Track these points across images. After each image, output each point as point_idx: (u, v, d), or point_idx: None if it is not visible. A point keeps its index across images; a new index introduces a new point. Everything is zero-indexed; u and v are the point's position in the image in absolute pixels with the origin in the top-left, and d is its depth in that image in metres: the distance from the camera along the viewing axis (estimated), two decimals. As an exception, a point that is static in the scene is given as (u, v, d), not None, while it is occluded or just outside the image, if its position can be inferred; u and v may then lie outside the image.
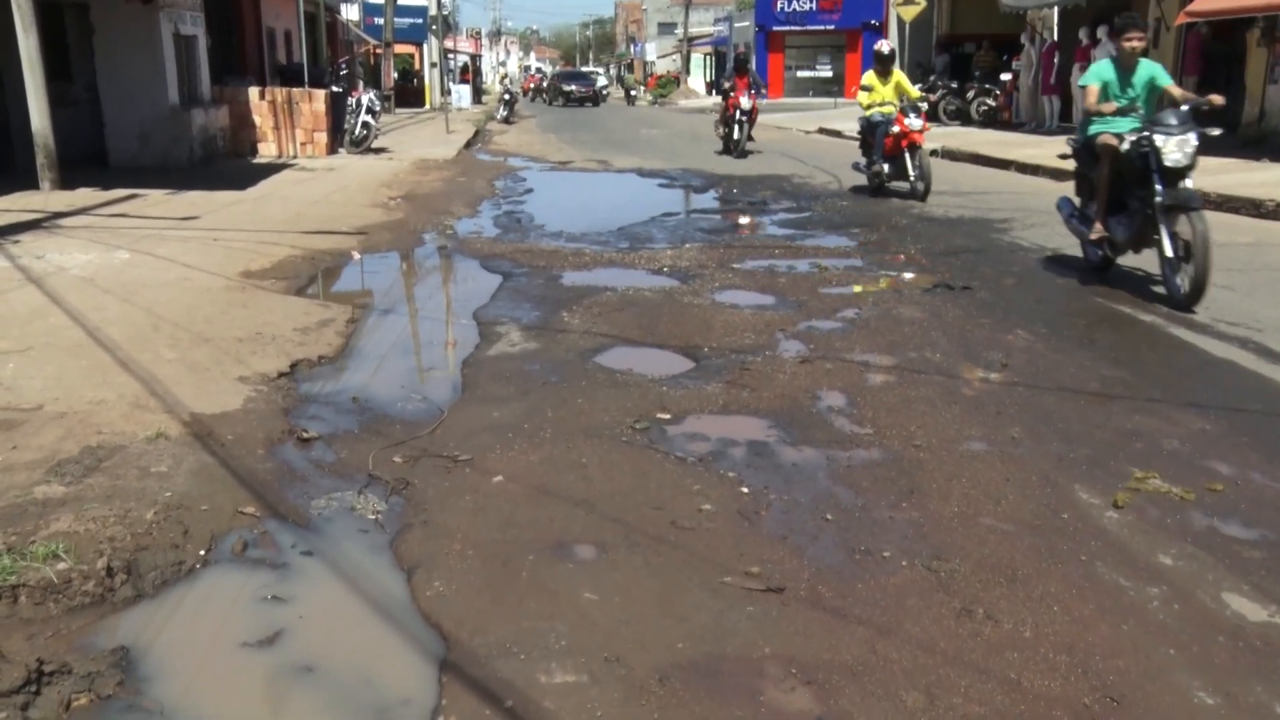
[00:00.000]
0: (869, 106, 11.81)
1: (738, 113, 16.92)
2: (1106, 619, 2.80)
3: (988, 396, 4.65)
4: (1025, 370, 5.05)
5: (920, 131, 11.29)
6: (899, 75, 11.91)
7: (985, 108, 21.75)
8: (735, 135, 17.06)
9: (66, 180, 11.26)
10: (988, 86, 21.87)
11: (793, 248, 8.61)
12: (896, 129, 11.35)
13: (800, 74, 47.36)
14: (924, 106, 11.85)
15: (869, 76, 11.92)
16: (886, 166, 11.63)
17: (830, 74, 44.81)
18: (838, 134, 23.06)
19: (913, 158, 11.36)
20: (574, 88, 47.31)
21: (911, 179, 11.37)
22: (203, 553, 3.13)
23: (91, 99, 13.84)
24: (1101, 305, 6.42)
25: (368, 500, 3.51)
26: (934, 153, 17.26)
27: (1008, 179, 13.53)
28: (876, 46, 12.05)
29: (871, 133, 11.82)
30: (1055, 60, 19.10)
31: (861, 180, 12.35)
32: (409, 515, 3.40)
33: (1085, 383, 4.85)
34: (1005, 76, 21.46)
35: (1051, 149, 15.44)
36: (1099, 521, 3.39)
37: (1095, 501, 3.54)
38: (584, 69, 72.64)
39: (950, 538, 3.26)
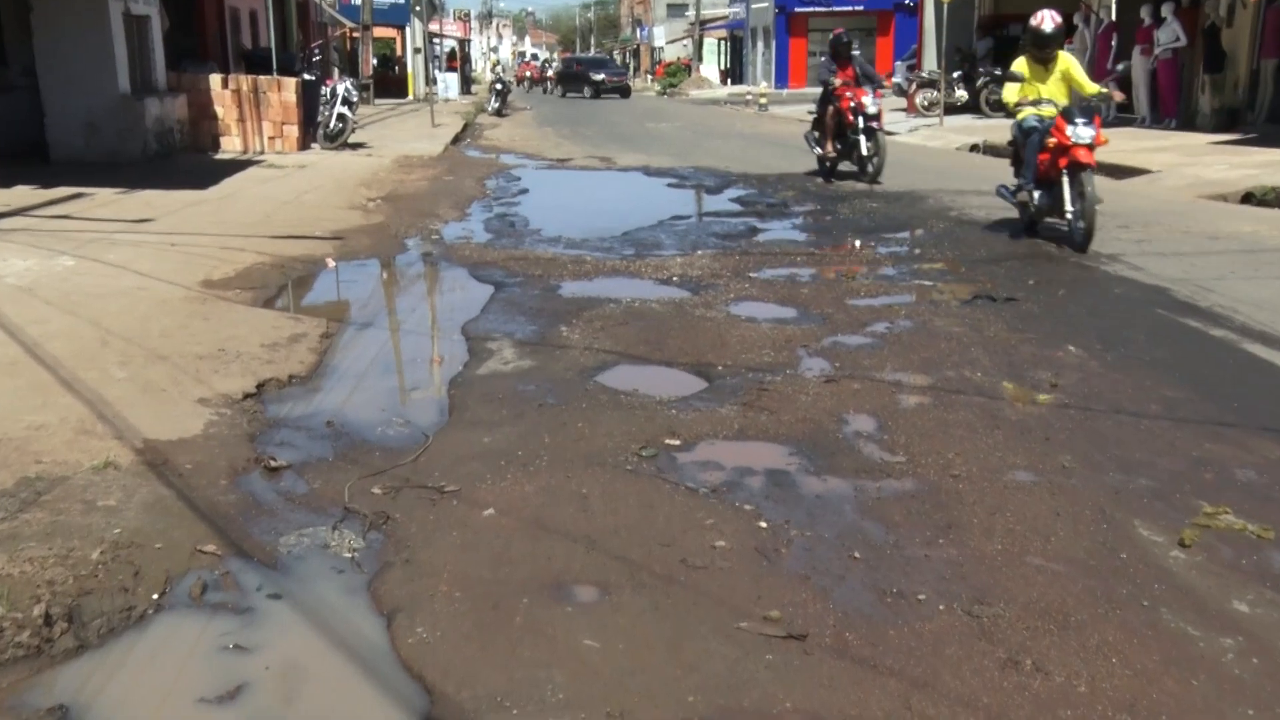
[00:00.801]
0: (1016, 105, 9.16)
1: (859, 119, 12.89)
2: (1173, 673, 2.79)
3: (1035, 420, 4.65)
4: (1077, 390, 5.05)
5: (1090, 146, 8.40)
6: (1067, 61, 9.21)
7: (1036, 97, 21.84)
8: (864, 151, 12.95)
9: (1, 177, 11.33)
10: (1041, 73, 21.95)
11: (817, 255, 8.64)
12: (1054, 141, 8.63)
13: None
14: (1102, 108, 8.80)
15: (1020, 64, 9.26)
16: (1038, 195, 8.94)
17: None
18: (868, 127, 23.17)
19: (1073, 185, 8.48)
20: (604, 77, 45.18)
21: (1069, 215, 8.56)
22: (156, 596, 3.13)
23: (30, 86, 13.84)
24: (1165, 318, 6.42)
25: (343, 536, 3.52)
26: (974, 148, 17.35)
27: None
28: (1034, 21, 9.19)
29: (1024, 143, 9.17)
30: (1113, 43, 19.13)
31: (1007, 212, 9.88)
32: (389, 553, 3.41)
33: (1146, 404, 4.85)
34: None
35: (1110, 143, 15.47)
36: (1163, 562, 3.38)
37: (1159, 539, 3.53)
38: (599, 54, 71.63)
39: (993, 579, 3.25)
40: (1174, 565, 3.35)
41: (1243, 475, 4.04)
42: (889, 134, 21.48)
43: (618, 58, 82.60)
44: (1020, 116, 9.19)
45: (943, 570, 3.31)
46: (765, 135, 22.29)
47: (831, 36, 13.81)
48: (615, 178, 15.08)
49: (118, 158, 13.84)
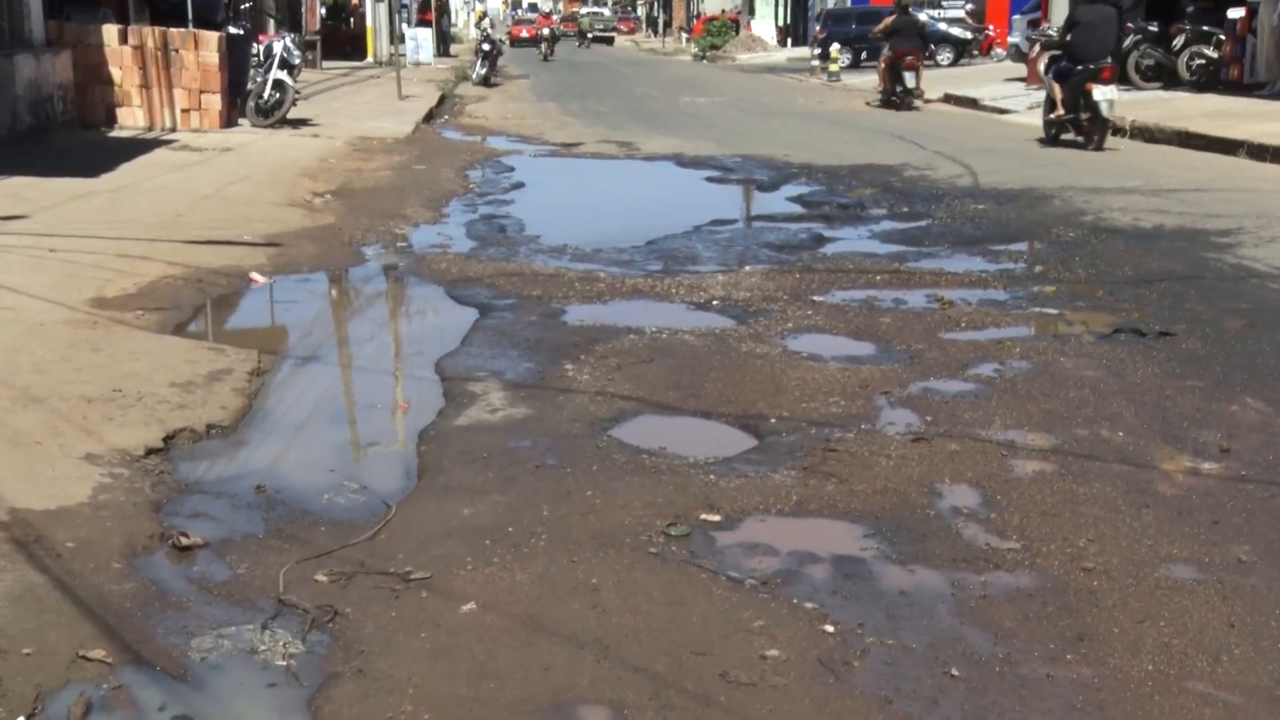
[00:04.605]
0: None
1: None
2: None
3: (1199, 497, 4.65)
4: (1258, 458, 5.03)
5: None
6: None
7: (1201, 62, 21.76)
8: None
9: None
10: (1205, 30, 21.85)
11: (902, 273, 8.66)
12: None
13: (916, 14, 47.66)
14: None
15: None
16: None
17: (961, 11, 45.05)
18: (973, 104, 23.21)
19: None
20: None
21: None
22: (23, 719, 3.15)
23: None
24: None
25: (276, 638, 3.54)
26: (1120, 131, 17.34)
27: (1233, 169, 13.52)
28: None
29: None
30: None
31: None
32: (337, 661, 3.43)
33: (1346, 478, 4.83)
34: (1234, 14, 21.40)
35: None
36: (1371, 689, 3.36)
37: (1365, 659, 3.51)
38: None
39: (1142, 711, 3.24)
40: (1382, 693, 3.33)
41: None
42: (1002, 111, 21.61)
43: (642, 11, 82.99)
44: None
45: (1071, 697, 3.30)
46: (836, 114, 22.40)
47: None
48: (638, 169, 15.19)
49: (-25, 134, 13.89)
